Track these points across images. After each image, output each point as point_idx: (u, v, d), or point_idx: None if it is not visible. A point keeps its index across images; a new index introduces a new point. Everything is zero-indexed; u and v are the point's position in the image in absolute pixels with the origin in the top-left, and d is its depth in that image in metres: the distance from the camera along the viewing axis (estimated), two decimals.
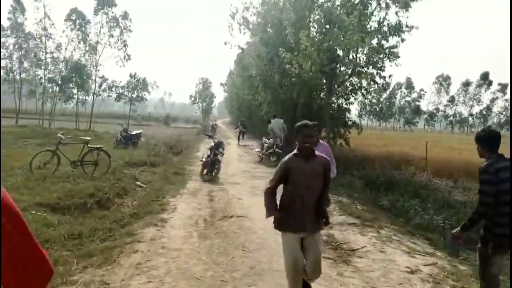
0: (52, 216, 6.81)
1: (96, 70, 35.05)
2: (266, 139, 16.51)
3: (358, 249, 6.10)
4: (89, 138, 10.96)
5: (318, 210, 3.75)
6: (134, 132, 19.32)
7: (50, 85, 34.65)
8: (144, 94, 38.10)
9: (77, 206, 7.59)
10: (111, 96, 36.65)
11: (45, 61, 34.26)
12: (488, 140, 3.65)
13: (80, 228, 6.33)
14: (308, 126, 3.69)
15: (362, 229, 7.36)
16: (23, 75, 35.75)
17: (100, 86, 35.59)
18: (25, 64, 35.38)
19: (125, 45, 35.02)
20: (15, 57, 34.34)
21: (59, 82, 34.09)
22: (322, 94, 17.21)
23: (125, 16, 35.15)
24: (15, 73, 34.91)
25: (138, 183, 10.57)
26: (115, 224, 6.86)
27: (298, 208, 3.69)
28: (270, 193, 3.86)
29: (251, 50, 20.04)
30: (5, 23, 34.05)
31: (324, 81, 16.17)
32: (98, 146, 10.94)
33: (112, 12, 34.70)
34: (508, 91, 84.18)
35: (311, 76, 13.94)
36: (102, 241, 5.96)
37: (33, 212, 6.87)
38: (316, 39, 14.29)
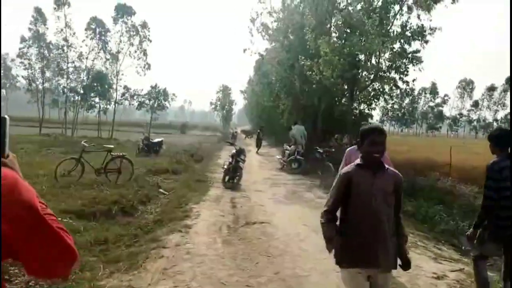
0: (78, 223, 6.93)
1: (117, 79, 35.74)
2: (287, 146, 16.48)
3: None
4: (112, 146, 11.15)
5: (390, 241, 2.82)
6: (155, 140, 19.61)
7: (72, 94, 35.35)
8: (165, 103, 38.48)
9: (102, 213, 7.70)
10: (133, 104, 37.18)
11: (67, 70, 35.04)
12: (497, 138, 3.90)
13: (105, 234, 6.42)
14: (380, 131, 2.82)
15: None
16: (46, 85, 36.59)
17: (123, 95, 36.13)
18: (48, 74, 36.19)
19: (145, 54, 35.54)
20: (37, 67, 35.13)
21: (81, 91, 34.84)
22: (343, 100, 17.12)
23: (144, 25, 35.63)
24: (37, 82, 35.71)
25: (161, 190, 10.68)
26: (140, 231, 6.94)
27: (366, 236, 2.74)
28: (328, 219, 2.89)
29: (271, 56, 20.09)
30: (26, 33, 34.90)
31: (346, 86, 16.09)
32: (121, 154, 11.12)
33: (132, 21, 35.34)
34: None
35: (332, 82, 13.90)
36: (128, 247, 6.04)
37: (59, 219, 6.96)
38: (337, 45, 14.25)
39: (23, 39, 34.20)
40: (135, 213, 8.36)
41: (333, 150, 13.98)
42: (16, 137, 23.59)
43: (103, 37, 35.40)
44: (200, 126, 73.63)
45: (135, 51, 35.34)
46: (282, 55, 18.47)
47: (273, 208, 9.04)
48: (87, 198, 8.35)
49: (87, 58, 35.21)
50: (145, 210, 8.80)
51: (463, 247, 6.70)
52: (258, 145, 26.70)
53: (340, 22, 14.92)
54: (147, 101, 37.30)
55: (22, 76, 35.93)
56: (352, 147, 5.46)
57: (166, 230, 6.84)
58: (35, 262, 1.00)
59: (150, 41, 35.84)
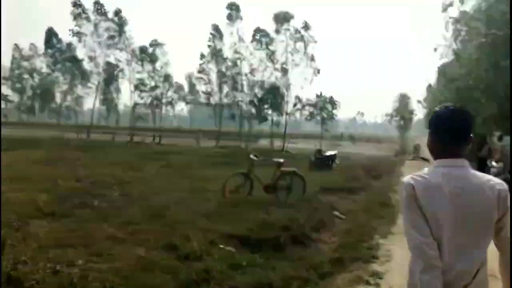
0: (241, 253, 5.74)
1: (287, 90, 35.16)
2: (493, 163, 13.02)
3: None
4: (281, 160, 9.89)
5: None
6: (328, 153, 18.07)
7: (247, 107, 36.29)
8: (334, 113, 35.76)
9: (269, 241, 6.41)
10: (304, 115, 35.93)
11: (241, 83, 36.18)
12: None
13: (270, 275, 5.01)
14: None
15: None
16: (225, 100, 38.29)
17: (294, 105, 35.41)
18: (226, 89, 37.71)
19: (313, 59, 34.34)
20: (215, 82, 37.20)
21: (255, 104, 35.54)
22: None
23: (306, 27, 34.27)
24: (216, 97, 37.77)
25: (336, 213, 9.02)
26: (313, 272, 5.34)
27: None
28: None
29: (464, 55, 16.68)
30: (205, 50, 36.96)
31: None
32: (291, 169, 9.78)
33: (293, 27, 34.29)
34: None
35: None
36: None
37: (222, 246, 5.92)
38: None
39: (202, 56, 36.75)
40: (307, 242, 6.85)
41: None
42: (197, 149, 25.01)
43: (269, 47, 35.17)
44: (373, 138, 70.09)
45: (301, 58, 34.36)
46: (482, 52, 14.99)
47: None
48: (254, 221, 7.23)
49: (256, 69, 35.64)
50: (319, 238, 7.25)
51: None
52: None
53: None
54: (316, 112, 35.50)
55: (202, 92, 38.65)
56: None
57: (348, 277, 5.08)
58: None
59: (315, 42, 34.35)
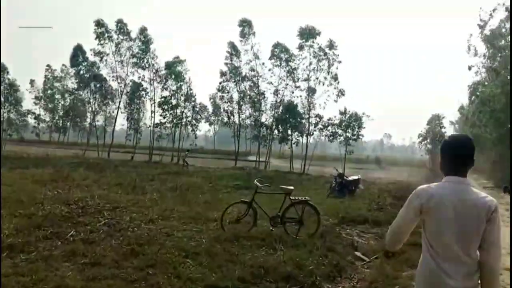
0: None
1: (308, 109, 33.16)
2: None
3: None
4: (291, 187, 8.29)
5: None
6: (350, 178, 16.31)
7: (265, 126, 34.66)
8: (360, 132, 32.85)
9: None
10: (327, 135, 33.36)
11: (259, 101, 34.46)
12: None
13: None
14: None
15: None
16: (248, 121, 36.89)
17: (315, 125, 33.16)
18: (249, 110, 36.12)
19: (336, 79, 32.22)
20: (234, 101, 35.68)
21: (273, 123, 33.88)
22: None
23: (331, 45, 32.20)
24: (235, 116, 36.37)
25: (357, 253, 7.38)
26: None
27: None
28: None
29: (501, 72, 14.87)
30: (223, 67, 35.41)
31: None
32: (303, 198, 8.19)
33: (317, 44, 32.34)
34: None
35: None
36: None
37: None
38: None
39: (222, 74, 35.18)
40: None
41: None
42: (211, 171, 23.78)
43: (289, 64, 33.13)
44: (400, 161, 67.28)
45: (325, 78, 32.20)
46: None
47: None
48: (250, 266, 5.77)
49: (277, 88, 33.80)
50: None
51: None
52: None
53: None
54: (339, 131, 32.52)
55: (224, 109, 37.19)
56: None
57: None
58: None
59: (340, 62, 32.20)
